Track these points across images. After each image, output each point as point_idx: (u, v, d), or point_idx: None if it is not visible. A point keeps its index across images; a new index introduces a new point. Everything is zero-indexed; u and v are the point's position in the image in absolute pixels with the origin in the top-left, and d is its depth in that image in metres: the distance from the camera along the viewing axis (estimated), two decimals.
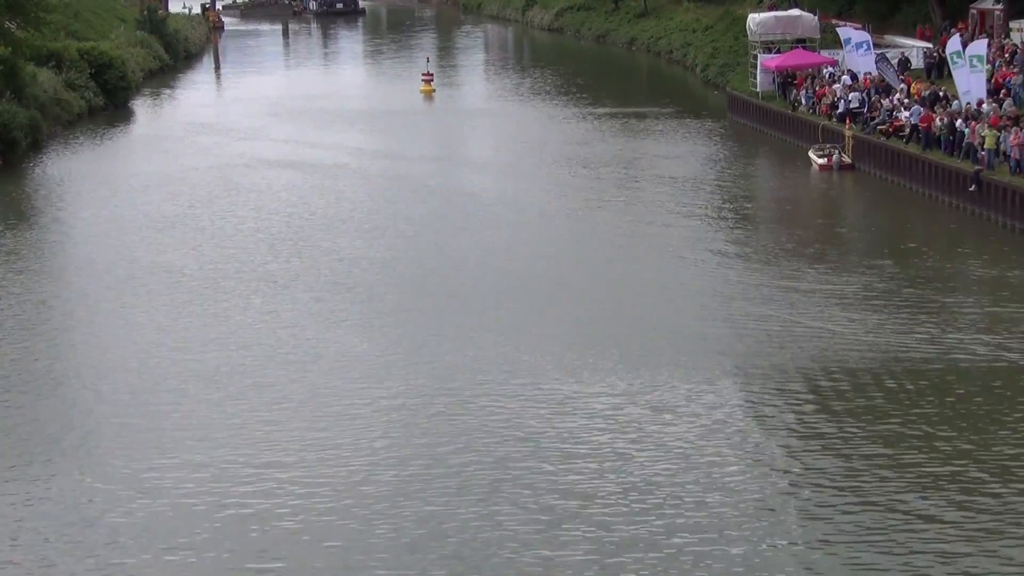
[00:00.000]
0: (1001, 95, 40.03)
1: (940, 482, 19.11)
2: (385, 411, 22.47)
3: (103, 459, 20.83)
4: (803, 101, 49.84)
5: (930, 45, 49.92)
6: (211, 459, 20.65)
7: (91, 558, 17.70)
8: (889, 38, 55.57)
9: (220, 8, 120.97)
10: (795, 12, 56.79)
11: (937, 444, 20.44)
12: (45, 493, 19.68)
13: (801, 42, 54.76)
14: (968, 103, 39.44)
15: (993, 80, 42.28)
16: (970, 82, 40.23)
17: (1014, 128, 35.32)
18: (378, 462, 20.35)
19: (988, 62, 43.59)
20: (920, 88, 43.87)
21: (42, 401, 23.61)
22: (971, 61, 40.22)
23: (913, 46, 52.10)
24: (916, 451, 20.18)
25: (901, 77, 46.33)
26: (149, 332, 27.27)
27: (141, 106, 66.38)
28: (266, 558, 17.55)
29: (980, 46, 40.93)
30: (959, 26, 51.15)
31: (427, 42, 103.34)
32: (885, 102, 43.88)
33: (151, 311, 28.76)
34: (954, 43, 41.72)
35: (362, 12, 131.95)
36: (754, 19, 56.29)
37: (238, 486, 19.64)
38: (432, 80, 69.09)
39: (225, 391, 23.73)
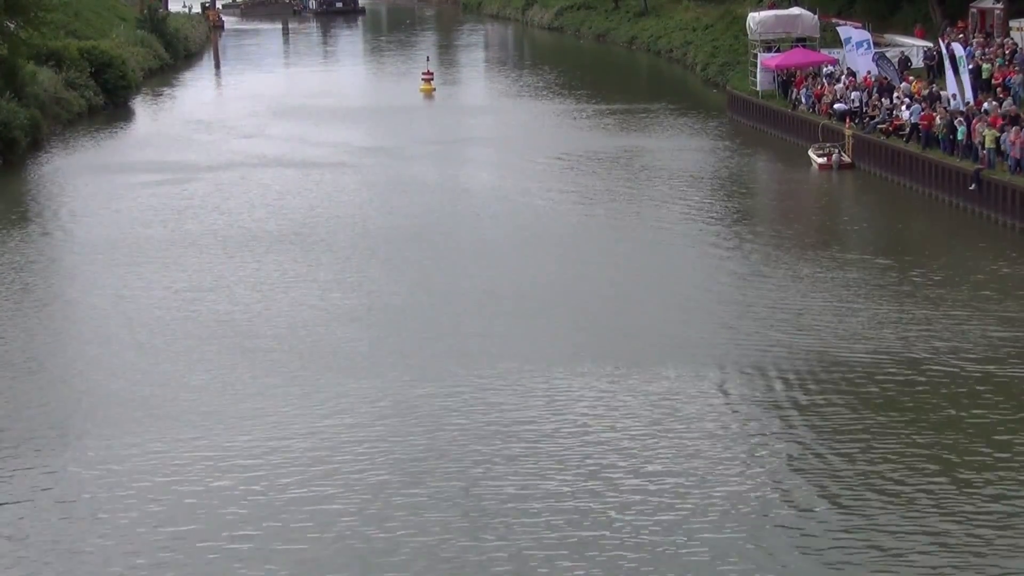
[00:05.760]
0: (1000, 94, 40.11)
1: (937, 477, 19.12)
2: (383, 404, 22.50)
3: (102, 444, 20.94)
4: (803, 100, 49.84)
5: (930, 44, 49.91)
6: (208, 447, 20.75)
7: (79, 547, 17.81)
8: (889, 37, 55.56)
9: (220, 7, 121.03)
10: (795, 11, 56.77)
11: (936, 441, 20.45)
12: (39, 480, 19.80)
13: (801, 41, 54.74)
14: (969, 102, 39.50)
15: (992, 79, 42.38)
16: (954, 83, 40.49)
17: (1014, 127, 35.32)
18: (376, 453, 20.38)
19: (985, 61, 43.76)
20: (920, 87, 43.89)
21: (42, 389, 23.80)
22: (959, 62, 40.46)
23: (913, 45, 52.10)
24: (916, 447, 20.19)
25: (900, 76, 46.33)
26: (149, 325, 27.34)
27: (141, 105, 66.42)
28: (262, 545, 17.64)
29: (960, 48, 41.34)
30: (959, 25, 51.15)
31: (427, 41, 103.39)
32: (885, 101, 43.88)
33: (151, 307, 28.81)
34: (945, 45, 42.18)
35: (362, 11, 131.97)
36: (754, 18, 56.29)
37: (235, 473, 19.74)
38: (432, 79, 69.10)
39: (222, 381, 23.83)
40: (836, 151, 43.66)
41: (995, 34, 49.44)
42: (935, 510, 18.26)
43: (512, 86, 72.20)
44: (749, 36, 56.79)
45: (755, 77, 54.61)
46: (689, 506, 18.54)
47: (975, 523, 17.85)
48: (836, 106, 46.54)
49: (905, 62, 49.17)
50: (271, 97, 67.62)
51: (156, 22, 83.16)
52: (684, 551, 17.34)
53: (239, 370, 24.71)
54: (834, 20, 57.63)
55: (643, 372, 23.84)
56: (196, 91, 74.37)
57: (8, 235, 36.39)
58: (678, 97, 62.94)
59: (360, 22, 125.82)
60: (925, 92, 42.83)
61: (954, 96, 40.63)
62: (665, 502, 18.68)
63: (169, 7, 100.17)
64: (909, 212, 38.24)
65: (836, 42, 52.37)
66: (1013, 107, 38.02)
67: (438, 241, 34.74)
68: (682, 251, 33.34)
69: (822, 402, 22.30)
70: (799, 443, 20.69)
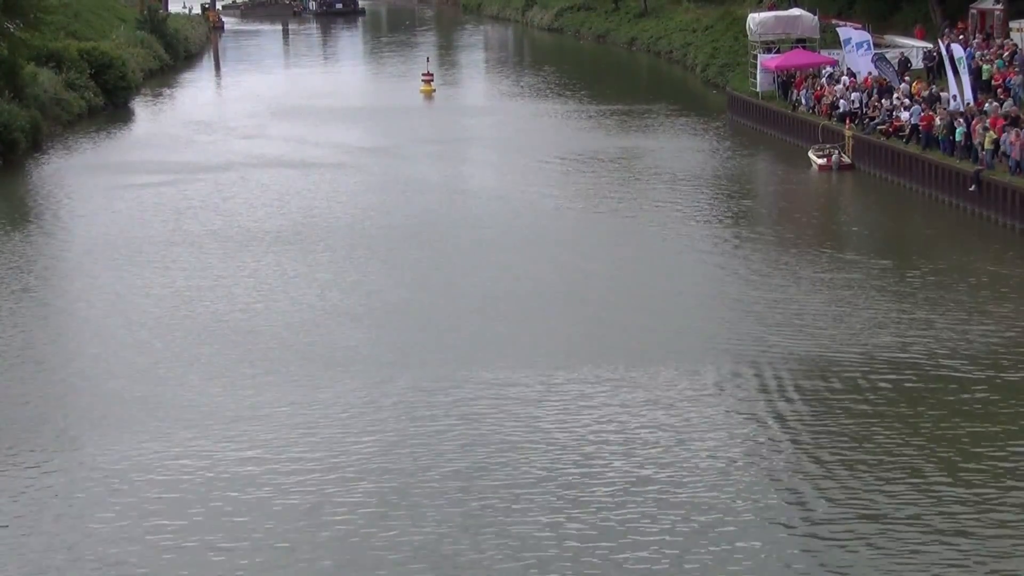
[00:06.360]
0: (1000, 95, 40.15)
1: (935, 474, 19.14)
2: (383, 403, 22.50)
3: (101, 443, 20.98)
4: (803, 101, 49.84)
5: (930, 45, 49.91)
6: (206, 446, 20.77)
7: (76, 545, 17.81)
8: (889, 38, 55.55)
9: (220, 8, 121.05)
10: (795, 12, 56.77)
11: (934, 442, 20.46)
12: (37, 478, 19.83)
13: (801, 42, 54.74)
14: (969, 103, 39.52)
15: (992, 80, 42.41)
16: (954, 84, 40.55)
17: (1014, 129, 35.32)
18: (375, 452, 20.40)
19: (985, 62, 43.78)
20: (920, 88, 43.90)
21: (40, 388, 23.88)
22: (959, 63, 40.53)
23: (913, 46, 52.10)
24: (914, 448, 20.20)
25: (899, 77, 46.32)
26: (148, 325, 27.36)
27: (141, 106, 66.42)
28: (258, 541, 17.64)
29: (960, 50, 41.43)
30: (959, 26, 51.15)
31: (427, 42, 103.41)
32: (885, 102, 43.88)
33: (150, 306, 28.82)
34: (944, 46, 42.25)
35: (362, 12, 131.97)
36: (754, 19, 56.28)
37: (233, 471, 19.75)
38: (432, 80, 69.11)
39: (220, 380, 23.87)
40: (836, 152, 43.65)
41: (995, 35, 49.44)
42: (933, 510, 18.26)
43: (512, 87, 72.20)
44: (749, 37, 56.79)
45: (755, 78, 54.62)
46: (687, 504, 18.53)
47: (973, 523, 17.86)
48: (841, 101, 46.43)
49: (905, 63, 49.16)
50: (271, 98, 67.64)
51: (156, 23, 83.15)
52: (682, 549, 17.34)
53: (238, 369, 24.73)
54: (834, 21, 57.61)
55: (643, 372, 23.83)
56: (196, 92, 74.37)
57: (8, 235, 36.40)
58: (678, 98, 62.96)
59: (360, 23, 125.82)
60: (925, 93, 42.84)
61: (954, 97, 40.66)
62: (663, 501, 18.68)
63: (169, 8, 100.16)
64: (909, 213, 38.24)
65: (836, 43, 52.36)
66: (1014, 108, 38.02)
67: (438, 241, 34.75)
68: (682, 252, 33.32)
69: (821, 402, 22.29)
70: (797, 443, 20.68)
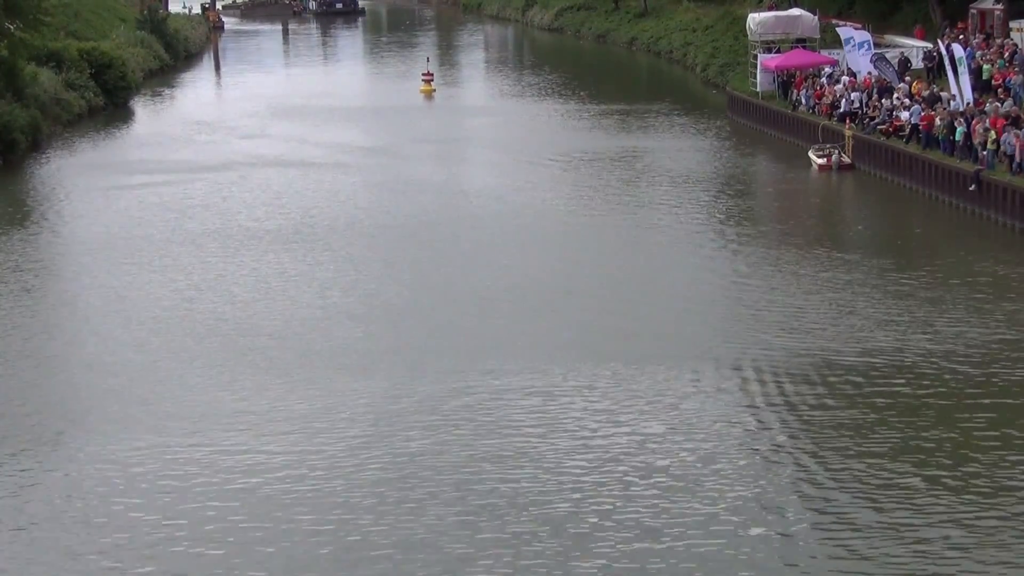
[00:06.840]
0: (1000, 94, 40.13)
1: (934, 475, 19.13)
2: (382, 402, 22.51)
3: (100, 442, 21.00)
4: (803, 101, 49.83)
5: (930, 45, 49.91)
6: (206, 445, 20.77)
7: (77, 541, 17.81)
8: (889, 38, 55.54)
9: (220, 8, 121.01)
10: (795, 12, 56.75)
11: (933, 442, 20.46)
12: (36, 477, 19.83)
13: (801, 42, 54.73)
14: (968, 103, 39.52)
15: (992, 80, 42.41)
16: (955, 84, 40.55)
17: (1014, 128, 35.31)
18: (375, 451, 20.41)
19: (985, 62, 43.78)
20: (920, 88, 43.90)
21: (40, 387, 23.95)
22: (959, 63, 40.55)
23: (913, 46, 52.09)
24: (913, 448, 20.20)
25: (899, 77, 46.31)
26: (147, 324, 27.36)
27: (141, 106, 66.42)
28: (256, 541, 17.64)
29: (960, 49, 41.47)
30: (959, 26, 51.15)
31: (427, 42, 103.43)
32: (885, 102, 43.88)
33: (150, 305, 28.82)
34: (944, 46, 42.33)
35: (362, 12, 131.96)
36: (754, 19, 56.28)
37: (232, 470, 19.74)
38: (432, 80, 69.09)
39: (220, 379, 23.90)
40: (836, 152, 43.65)
41: (995, 35, 49.44)
42: (932, 510, 18.27)
43: (512, 87, 72.20)
44: (749, 37, 56.77)
45: (755, 78, 54.60)
46: (686, 503, 18.54)
47: (972, 523, 17.86)
48: (841, 101, 46.42)
49: (905, 63, 49.16)
50: (271, 97, 67.64)
51: (156, 23, 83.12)
52: (681, 548, 17.34)
53: (237, 368, 24.74)
54: (834, 21, 57.60)
55: (642, 371, 23.83)
56: (196, 92, 74.38)
57: (8, 235, 36.40)
58: (678, 98, 62.94)
59: (360, 23, 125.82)
60: (925, 93, 42.83)
61: (954, 97, 40.67)
62: (661, 500, 18.68)
63: (169, 8, 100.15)
64: (909, 212, 38.23)
65: (836, 43, 52.35)
66: (1014, 108, 38.02)
67: (437, 241, 34.77)
68: (681, 251, 33.33)
69: (820, 402, 22.29)
70: (796, 443, 20.68)
